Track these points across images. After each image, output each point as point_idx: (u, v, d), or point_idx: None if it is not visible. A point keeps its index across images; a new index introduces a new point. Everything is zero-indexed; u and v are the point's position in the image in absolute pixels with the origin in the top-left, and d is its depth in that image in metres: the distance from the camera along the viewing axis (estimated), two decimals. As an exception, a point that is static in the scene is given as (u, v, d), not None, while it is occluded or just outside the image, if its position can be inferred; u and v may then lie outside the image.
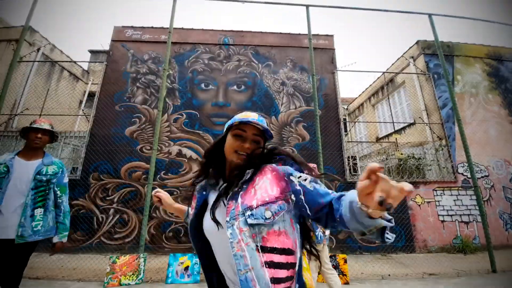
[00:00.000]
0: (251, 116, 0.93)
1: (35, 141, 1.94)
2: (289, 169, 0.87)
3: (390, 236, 0.66)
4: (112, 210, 5.40)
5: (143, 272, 3.52)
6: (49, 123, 2.04)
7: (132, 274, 3.43)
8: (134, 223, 5.37)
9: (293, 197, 0.80)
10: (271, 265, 0.73)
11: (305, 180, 0.81)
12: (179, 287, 3.36)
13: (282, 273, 0.74)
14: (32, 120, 2.00)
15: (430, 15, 5.45)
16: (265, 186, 0.82)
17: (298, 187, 0.80)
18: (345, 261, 3.62)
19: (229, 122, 0.96)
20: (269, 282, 0.71)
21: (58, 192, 2.04)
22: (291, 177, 0.83)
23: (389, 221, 0.63)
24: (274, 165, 0.90)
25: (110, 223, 5.33)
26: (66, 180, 2.12)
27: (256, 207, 0.77)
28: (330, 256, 3.70)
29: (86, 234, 5.25)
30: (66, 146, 6.31)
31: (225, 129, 0.98)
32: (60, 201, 2.05)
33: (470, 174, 4.82)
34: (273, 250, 0.75)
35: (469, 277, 3.86)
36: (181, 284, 3.46)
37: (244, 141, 0.91)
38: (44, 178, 1.94)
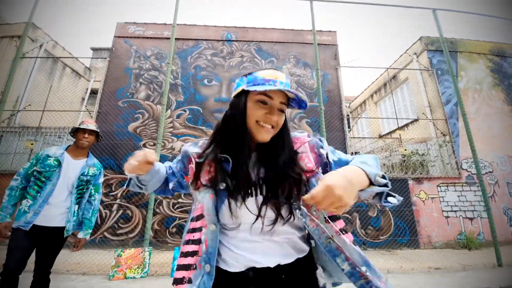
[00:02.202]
0: (279, 78, 0.77)
1: (82, 140, 2.05)
2: (318, 142, 0.87)
3: (391, 200, 0.69)
4: (115, 206, 5.39)
5: (149, 266, 3.50)
6: (95, 124, 2.15)
7: (137, 267, 3.42)
8: (137, 219, 5.36)
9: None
10: None
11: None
12: (185, 281, 3.34)
13: None
14: (81, 121, 2.11)
15: (434, 10, 5.43)
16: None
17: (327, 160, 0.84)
18: (351, 255, 3.60)
19: (249, 81, 0.78)
20: None
21: (92, 191, 2.13)
22: (321, 150, 0.85)
23: (383, 185, 0.68)
24: (304, 136, 0.89)
25: (113, 218, 5.32)
26: (101, 180, 2.21)
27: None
28: (336, 250, 3.68)
29: (90, 230, 5.24)
30: (69, 143, 6.30)
31: (241, 88, 0.79)
32: (93, 198, 2.13)
33: (475, 169, 4.79)
34: None
35: (475, 271, 3.84)
36: (187, 277, 3.45)
37: (271, 112, 0.76)
38: (85, 179, 2.05)
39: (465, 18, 6.15)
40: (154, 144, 5.82)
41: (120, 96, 6.13)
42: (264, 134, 0.77)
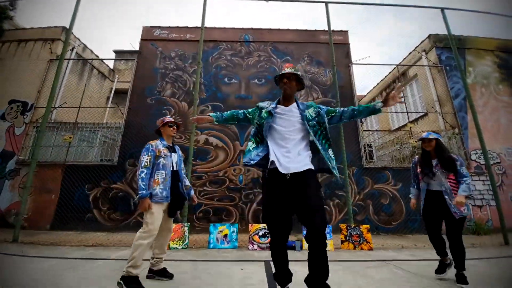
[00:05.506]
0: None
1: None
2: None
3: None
4: (147, 193, 5.87)
5: (188, 239, 3.97)
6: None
7: (179, 240, 3.88)
8: (167, 205, 5.83)
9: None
10: None
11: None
12: (220, 252, 3.78)
13: None
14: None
15: (442, 9, 5.78)
16: None
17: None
18: (368, 230, 3.99)
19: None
20: None
21: None
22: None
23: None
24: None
25: (145, 204, 5.81)
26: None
27: None
28: (354, 227, 4.08)
29: (124, 214, 5.75)
30: (102, 139, 6.83)
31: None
32: None
33: (484, 159, 5.12)
34: None
35: (483, 248, 4.19)
36: (222, 249, 3.90)
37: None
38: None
39: (472, 16, 6.48)
40: (181, 137, 6.32)
41: (149, 93, 6.66)
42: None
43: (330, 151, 1.77)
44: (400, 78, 8.64)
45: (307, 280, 1.55)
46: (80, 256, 3.37)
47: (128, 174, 6.00)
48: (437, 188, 2.49)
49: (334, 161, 1.76)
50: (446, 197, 2.39)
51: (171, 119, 2.62)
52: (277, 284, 1.78)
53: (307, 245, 1.55)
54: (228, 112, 2.07)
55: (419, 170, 2.65)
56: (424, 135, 2.62)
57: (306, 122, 1.76)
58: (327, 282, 1.51)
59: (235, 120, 2.06)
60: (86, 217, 5.75)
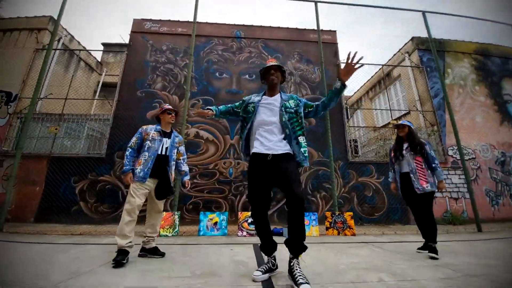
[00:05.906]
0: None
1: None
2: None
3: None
4: (136, 185, 5.87)
5: (178, 227, 4.03)
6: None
7: (169, 227, 3.95)
8: (156, 197, 5.85)
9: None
10: None
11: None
12: (210, 239, 3.87)
13: None
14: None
15: (423, 13, 6.12)
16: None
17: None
18: (351, 217, 4.20)
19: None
20: None
21: None
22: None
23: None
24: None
25: (134, 196, 5.80)
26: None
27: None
28: (338, 214, 4.28)
29: (112, 207, 5.72)
30: (89, 132, 6.73)
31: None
32: None
33: (459, 155, 5.46)
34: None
35: (457, 233, 4.49)
36: (212, 236, 3.99)
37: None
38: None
39: (454, 19, 6.87)
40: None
41: (140, 86, 6.64)
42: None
43: (301, 138, 1.94)
44: (385, 78, 9.00)
45: (286, 242, 1.70)
46: (69, 242, 3.37)
47: (117, 166, 5.96)
48: (406, 170, 2.79)
49: (303, 149, 1.92)
50: (412, 175, 2.72)
51: (170, 107, 2.73)
52: (263, 254, 1.92)
53: (288, 211, 1.70)
54: (222, 106, 2.20)
55: (392, 154, 2.95)
56: (399, 122, 2.91)
57: (283, 109, 1.97)
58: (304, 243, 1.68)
59: (227, 115, 2.20)
60: (73, 209, 5.67)
